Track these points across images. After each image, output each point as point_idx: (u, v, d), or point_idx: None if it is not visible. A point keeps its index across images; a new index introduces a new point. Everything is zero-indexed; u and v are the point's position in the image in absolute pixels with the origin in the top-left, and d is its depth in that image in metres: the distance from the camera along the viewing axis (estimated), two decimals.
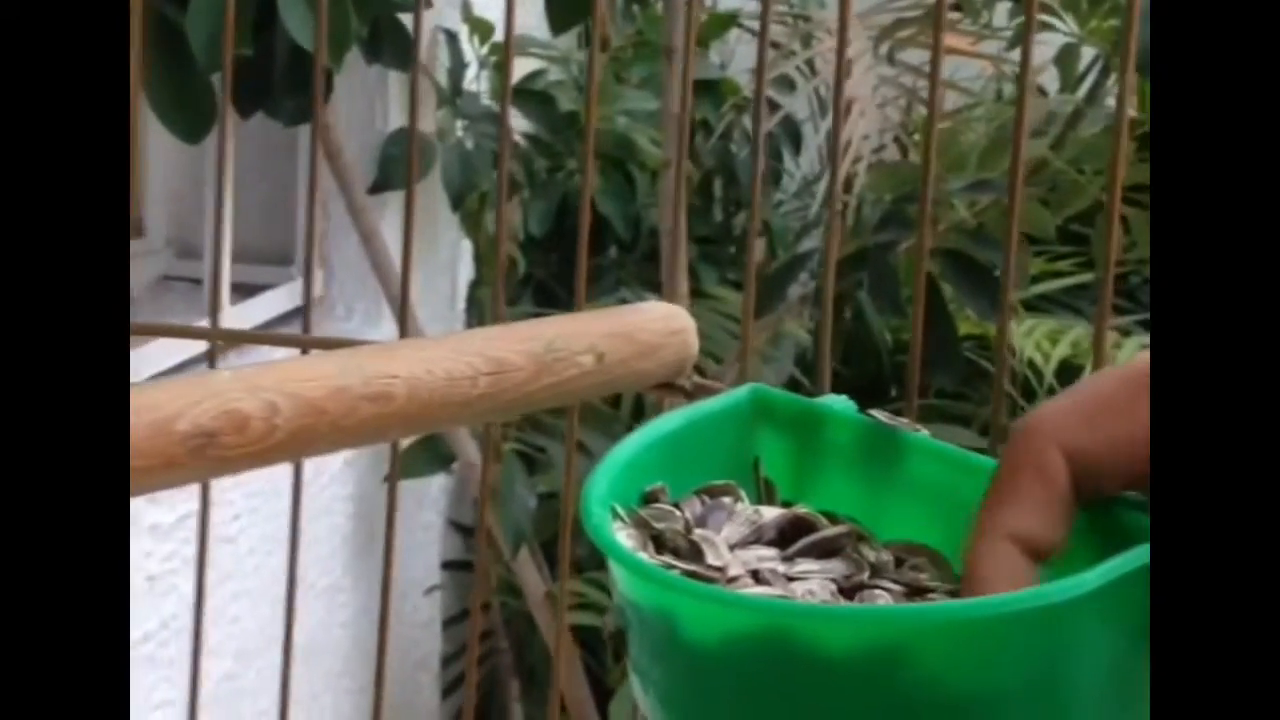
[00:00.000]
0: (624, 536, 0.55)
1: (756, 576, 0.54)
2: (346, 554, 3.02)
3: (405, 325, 0.96)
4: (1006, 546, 0.51)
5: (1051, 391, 2.63)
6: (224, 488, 2.45)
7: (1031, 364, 2.80)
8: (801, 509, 0.58)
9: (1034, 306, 3.07)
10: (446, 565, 3.46)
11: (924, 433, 0.60)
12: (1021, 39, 2.35)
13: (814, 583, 0.54)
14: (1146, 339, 2.58)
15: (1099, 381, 0.54)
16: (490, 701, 3.21)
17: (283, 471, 1.17)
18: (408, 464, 2.59)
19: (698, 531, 0.55)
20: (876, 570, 0.55)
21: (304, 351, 0.93)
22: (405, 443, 2.58)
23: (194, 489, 1.07)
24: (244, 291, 2.58)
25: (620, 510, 0.56)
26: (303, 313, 1.01)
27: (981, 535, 0.51)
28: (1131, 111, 2.51)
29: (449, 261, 3.05)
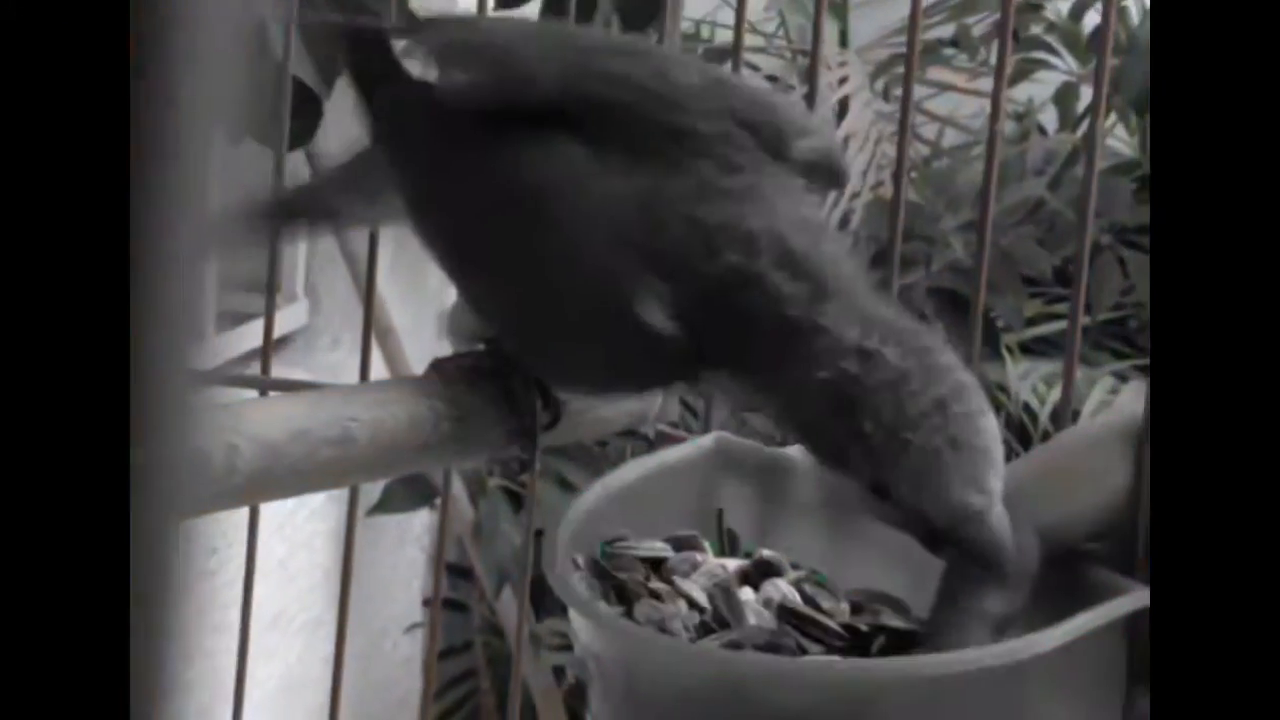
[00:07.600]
0: (585, 587, 0.55)
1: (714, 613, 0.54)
2: (329, 589, 2.99)
3: (368, 366, 0.94)
4: (988, 632, 0.51)
5: (1046, 436, 2.61)
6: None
7: (1027, 407, 2.77)
8: (765, 553, 0.58)
9: (1030, 349, 3.04)
10: (429, 602, 3.44)
11: None
12: (1020, 77, 2.33)
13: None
14: (1145, 384, 2.56)
15: (1069, 448, 0.55)
16: None
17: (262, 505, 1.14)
18: (390, 499, 2.56)
19: (659, 582, 0.55)
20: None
21: (263, 393, 0.90)
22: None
23: None
24: (233, 320, 2.55)
25: (581, 560, 0.56)
26: (264, 349, 0.98)
27: (961, 629, 0.51)
28: (1131, 152, 2.49)
29: (437, 292, 3.03)
